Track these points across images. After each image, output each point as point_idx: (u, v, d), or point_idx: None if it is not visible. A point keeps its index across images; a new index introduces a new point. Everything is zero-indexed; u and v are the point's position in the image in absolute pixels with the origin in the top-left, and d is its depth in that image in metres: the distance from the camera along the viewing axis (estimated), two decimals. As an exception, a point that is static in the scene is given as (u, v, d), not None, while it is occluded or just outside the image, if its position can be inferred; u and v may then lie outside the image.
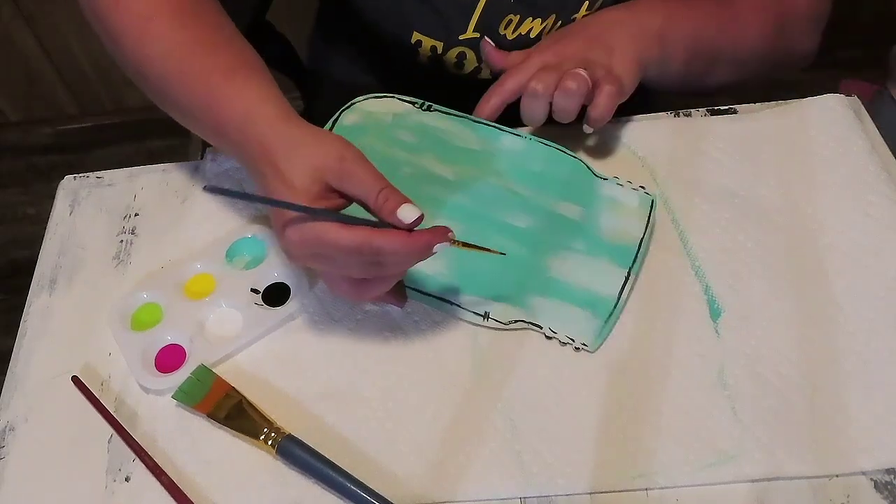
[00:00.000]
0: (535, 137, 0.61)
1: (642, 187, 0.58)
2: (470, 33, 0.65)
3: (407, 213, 0.44)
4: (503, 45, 0.65)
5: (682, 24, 0.62)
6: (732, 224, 0.58)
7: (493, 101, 0.60)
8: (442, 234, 0.45)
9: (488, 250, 0.49)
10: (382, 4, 0.66)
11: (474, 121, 0.62)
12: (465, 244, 0.47)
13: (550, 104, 0.57)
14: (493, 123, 0.61)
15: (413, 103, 0.64)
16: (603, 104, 0.56)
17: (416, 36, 0.66)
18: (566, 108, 0.57)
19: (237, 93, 0.49)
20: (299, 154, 0.46)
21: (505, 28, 0.65)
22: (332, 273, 0.47)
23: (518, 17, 0.64)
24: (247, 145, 0.48)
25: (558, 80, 0.56)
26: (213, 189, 0.46)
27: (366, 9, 0.67)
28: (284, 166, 0.46)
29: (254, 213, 0.60)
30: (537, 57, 0.60)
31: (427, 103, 0.63)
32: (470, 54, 0.67)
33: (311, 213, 0.44)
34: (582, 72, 0.56)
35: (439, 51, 0.67)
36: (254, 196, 0.48)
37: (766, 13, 0.66)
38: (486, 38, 0.64)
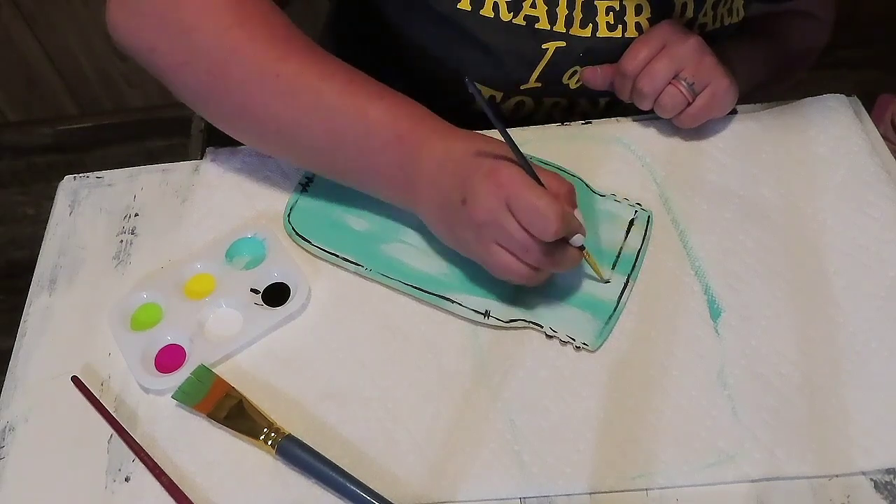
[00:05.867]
0: (535, 157, 0.61)
1: (639, 204, 0.59)
2: (532, 83, 0.65)
3: (579, 215, 0.51)
4: (566, 93, 0.67)
5: (742, 69, 0.65)
6: (732, 224, 0.58)
7: (609, 72, 0.63)
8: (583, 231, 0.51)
9: (598, 270, 0.54)
10: (441, 55, 0.64)
11: None
12: (588, 254, 0.53)
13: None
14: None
15: None
16: (689, 122, 0.61)
17: None
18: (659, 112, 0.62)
19: (398, 111, 0.53)
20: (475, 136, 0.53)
21: (569, 78, 0.65)
22: (508, 240, 0.49)
23: (584, 68, 0.64)
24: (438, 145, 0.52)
25: (665, 86, 0.60)
26: (474, 90, 0.49)
27: (423, 62, 0.65)
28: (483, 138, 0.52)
29: (254, 212, 0.60)
30: (665, 65, 0.60)
31: None
32: (528, 101, 0.67)
33: (520, 157, 0.49)
34: (684, 89, 0.59)
35: (497, 100, 0.66)
36: (499, 124, 0.49)
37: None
38: (586, 69, 0.64)
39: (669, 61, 0.59)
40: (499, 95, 0.66)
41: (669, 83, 0.59)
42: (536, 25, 0.61)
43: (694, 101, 0.60)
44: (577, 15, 0.62)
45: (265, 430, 0.48)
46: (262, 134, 0.56)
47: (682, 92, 0.59)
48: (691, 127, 0.62)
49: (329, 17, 0.84)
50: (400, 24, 0.65)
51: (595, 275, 0.55)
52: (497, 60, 0.63)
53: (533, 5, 0.61)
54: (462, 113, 0.66)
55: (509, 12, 0.61)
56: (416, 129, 0.52)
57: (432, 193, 0.52)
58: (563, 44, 0.62)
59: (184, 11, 0.53)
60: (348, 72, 0.54)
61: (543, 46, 0.62)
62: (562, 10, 0.61)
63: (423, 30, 0.63)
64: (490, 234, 0.49)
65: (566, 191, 0.50)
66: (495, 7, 0.60)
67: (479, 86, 0.65)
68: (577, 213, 0.50)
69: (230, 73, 0.53)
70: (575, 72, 0.65)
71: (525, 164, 0.49)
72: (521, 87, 0.65)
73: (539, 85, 0.65)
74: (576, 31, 0.62)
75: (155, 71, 0.56)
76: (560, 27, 0.62)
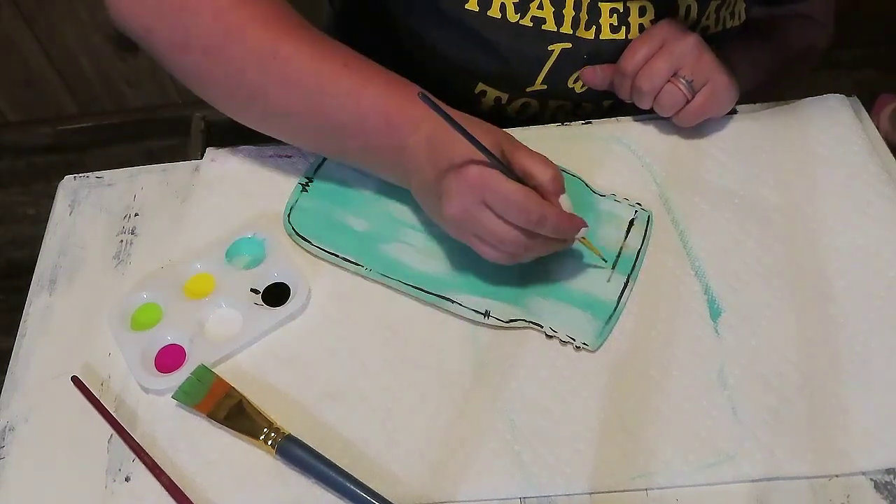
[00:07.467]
0: None
1: (639, 204, 0.59)
2: (537, 86, 0.65)
3: (566, 202, 0.51)
4: (570, 97, 0.67)
5: (743, 70, 0.65)
6: (732, 224, 0.58)
7: (609, 71, 0.63)
8: (582, 223, 0.51)
9: (598, 252, 0.55)
10: (448, 57, 0.64)
11: None
12: (586, 241, 0.53)
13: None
14: None
15: None
16: (689, 120, 0.61)
17: (480, 87, 0.66)
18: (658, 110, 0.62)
19: (390, 94, 0.53)
20: (475, 123, 0.51)
21: (574, 81, 0.65)
22: (485, 234, 0.50)
23: (583, 67, 0.64)
24: (415, 130, 0.52)
25: (663, 85, 0.60)
26: (425, 97, 0.47)
27: (429, 63, 0.65)
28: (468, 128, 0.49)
29: (254, 212, 0.60)
30: (664, 64, 0.59)
31: None
32: (534, 103, 0.67)
33: (493, 160, 0.48)
34: (683, 87, 0.59)
35: (503, 101, 0.67)
36: (456, 123, 0.47)
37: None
38: (586, 68, 0.64)
39: (668, 59, 0.59)
40: (504, 97, 0.66)
41: (668, 81, 0.59)
42: (543, 27, 0.61)
43: (693, 98, 0.60)
44: (583, 17, 0.62)
45: (265, 430, 0.48)
46: (260, 114, 0.57)
47: (680, 90, 0.59)
48: (691, 125, 0.62)
49: (328, 16, 0.84)
50: (406, 24, 0.65)
51: (596, 258, 0.55)
52: (503, 61, 0.63)
53: (540, 6, 0.61)
54: (468, 112, 0.66)
55: (516, 13, 0.61)
56: (405, 113, 0.52)
57: (419, 179, 0.53)
58: (568, 45, 0.62)
59: None
60: (344, 54, 0.54)
61: (549, 48, 0.62)
62: (568, 12, 0.61)
63: (430, 30, 0.64)
64: (468, 228, 0.51)
65: (550, 177, 0.50)
66: (502, 8, 0.60)
67: (488, 87, 0.66)
68: (564, 198, 0.51)
69: (227, 54, 0.53)
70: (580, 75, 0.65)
71: (494, 161, 0.48)
72: (527, 90, 0.65)
73: (545, 87, 0.65)
74: (581, 32, 0.62)
75: (153, 52, 0.56)
76: (566, 29, 0.62)
